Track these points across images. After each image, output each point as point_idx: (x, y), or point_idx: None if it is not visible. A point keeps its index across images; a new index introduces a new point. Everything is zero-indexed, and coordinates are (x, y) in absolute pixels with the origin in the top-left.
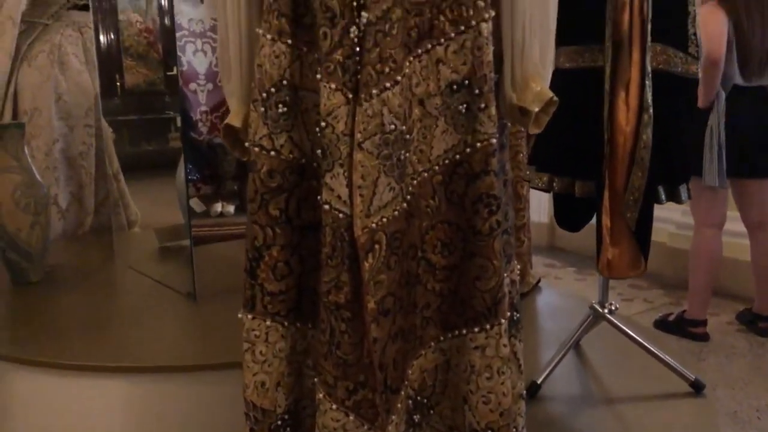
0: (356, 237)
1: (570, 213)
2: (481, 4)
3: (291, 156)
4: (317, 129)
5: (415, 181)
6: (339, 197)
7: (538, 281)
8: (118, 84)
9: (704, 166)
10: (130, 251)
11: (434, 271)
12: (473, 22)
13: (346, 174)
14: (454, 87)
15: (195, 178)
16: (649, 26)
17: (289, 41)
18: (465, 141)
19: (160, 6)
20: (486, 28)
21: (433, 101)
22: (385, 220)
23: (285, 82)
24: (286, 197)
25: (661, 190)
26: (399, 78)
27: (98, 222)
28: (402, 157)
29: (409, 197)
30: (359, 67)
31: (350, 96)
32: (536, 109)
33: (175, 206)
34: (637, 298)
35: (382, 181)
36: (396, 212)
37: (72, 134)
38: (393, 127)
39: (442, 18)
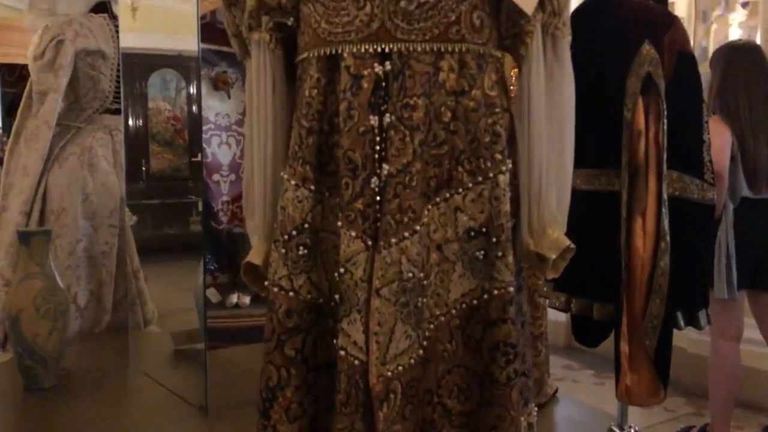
0: (371, 385)
1: (588, 331)
2: (499, 157)
3: (309, 296)
4: (336, 275)
5: (431, 326)
6: (355, 343)
7: (556, 391)
8: (143, 168)
9: (714, 278)
10: (145, 354)
11: (450, 417)
12: (491, 174)
13: (363, 320)
14: (472, 234)
15: (213, 267)
16: (665, 154)
17: (312, 187)
18: (482, 287)
19: (188, 95)
20: (503, 179)
21: (451, 247)
22: (401, 368)
23: (306, 225)
24: (302, 337)
25: (680, 315)
26: (418, 227)
27: (115, 320)
28: (419, 304)
29: (425, 342)
30: (379, 215)
31: (369, 243)
32: (553, 256)
33: (192, 293)
34: (658, 407)
35: (399, 329)
36: (412, 360)
37: (96, 234)
38: (411, 275)
39: (460, 169)
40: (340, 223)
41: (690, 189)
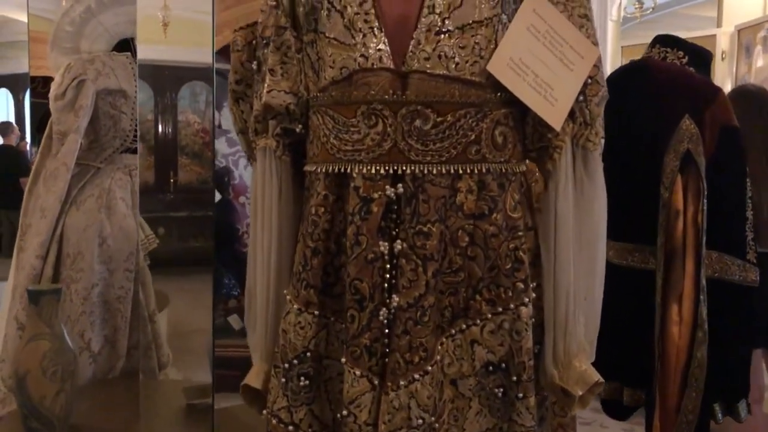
0: None
1: (618, 408)
2: (521, 286)
3: (310, 431)
4: (339, 416)
5: None
6: None
7: None
8: (171, 180)
9: None
10: (156, 408)
11: None
12: (512, 305)
13: None
14: (490, 368)
15: (236, 293)
16: (704, 237)
17: (316, 312)
18: (501, 428)
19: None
20: (525, 312)
21: (467, 382)
22: None
23: (309, 353)
24: None
25: (717, 407)
26: (429, 367)
27: (129, 365)
28: None
29: None
30: (387, 350)
31: (376, 382)
32: (580, 393)
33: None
34: None
35: None
36: None
37: (111, 278)
38: (421, 421)
39: (478, 297)
40: (344, 359)
41: (731, 270)
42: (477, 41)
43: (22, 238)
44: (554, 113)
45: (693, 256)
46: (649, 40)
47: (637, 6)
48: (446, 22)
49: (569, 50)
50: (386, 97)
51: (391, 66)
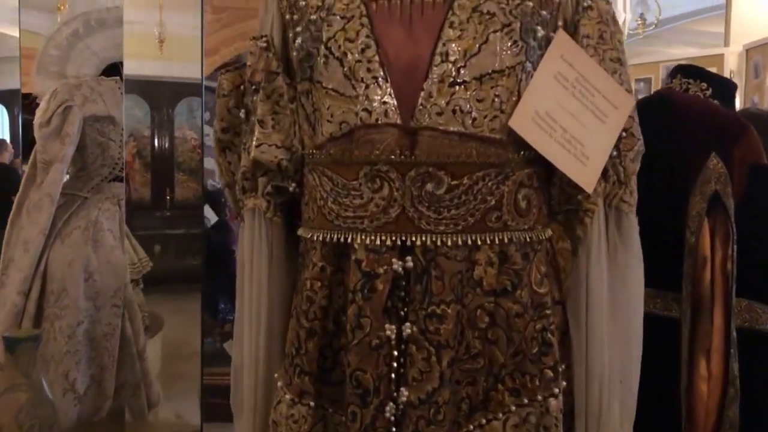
0: None
1: None
2: (550, 374)
3: None
4: None
5: None
6: None
7: None
8: (168, 197)
9: None
10: None
11: None
12: (539, 396)
13: None
14: None
15: (233, 317)
16: (734, 285)
17: (312, 403)
18: None
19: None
20: (555, 405)
21: None
22: None
23: None
24: None
25: None
26: None
27: (117, 405)
28: None
29: None
30: None
31: None
32: None
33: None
34: None
35: None
36: None
37: (98, 314)
38: None
39: (500, 387)
40: None
41: (762, 319)
42: (497, 93)
43: (4, 272)
44: (586, 173)
45: (722, 307)
46: (652, 57)
47: (639, 22)
48: (462, 71)
49: (601, 100)
50: (393, 157)
51: (399, 121)
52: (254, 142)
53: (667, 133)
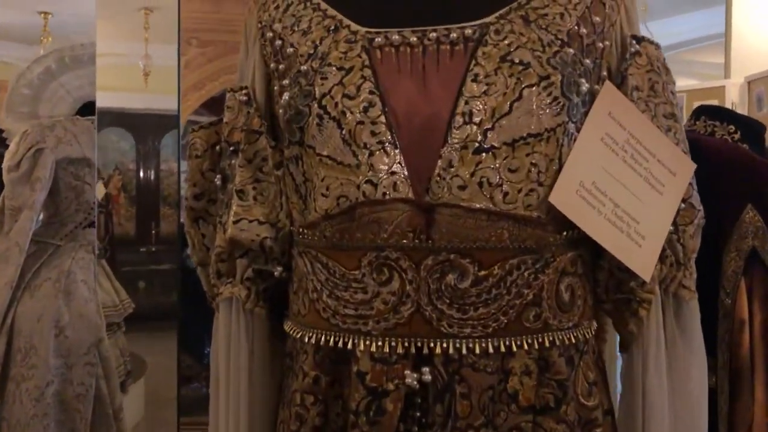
0: None
1: None
2: None
3: None
4: None
5: None
6: None
7: None
8: (153, 232)
9: None
10: None
11: None
12: None
13: None
14: None
15: None
16: None
17: None
18: None
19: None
20: None
21: None
22: None
23: None
24: None
25: None
26: None
27: None
28: None
29: None
30: None
31: None
32: None
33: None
34: None
35: None
36: None
37: (69, 374)
38: None
39: None
40: None
41: None
42: (534, 162)
43: None
44: (641, 256)
45: (763, 377)
46: None
47: None
48: (489, 135)
49: (657, 166)
50: (404, 241)
51: (411, 196)
52: (231, 217)
53: (698, 177)
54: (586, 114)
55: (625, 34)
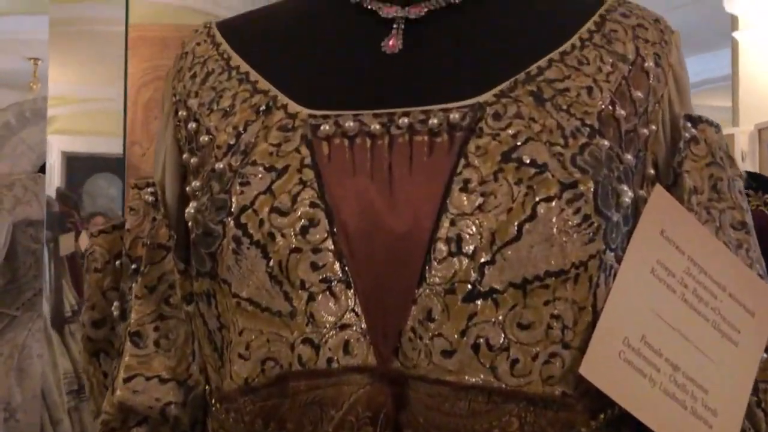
0: None
1: None
2: None
3: None
4: None
5: None
6: None
7: None
8: None
9: None
10: None
11: None
12: None
13: None
14: None
15: None
16: None
17: None
18: None
19: None
20: None
21: None
22: None
23: None
24: None
25: None
26: None
27: None
28: None
29: None
30: None
31: None
32: None
33: None
34: None
35: None
36: None
37: None
38: None
39: None
40: None
41: None
42: (556, 312)
43: None
44: None
45: None
46: None
47: None
48: (488, 272)
49: (728, 303)
50: None
51: (371, 362)
52: (122, 372)
53: None
54: (629, 235)
55: (676, 113)
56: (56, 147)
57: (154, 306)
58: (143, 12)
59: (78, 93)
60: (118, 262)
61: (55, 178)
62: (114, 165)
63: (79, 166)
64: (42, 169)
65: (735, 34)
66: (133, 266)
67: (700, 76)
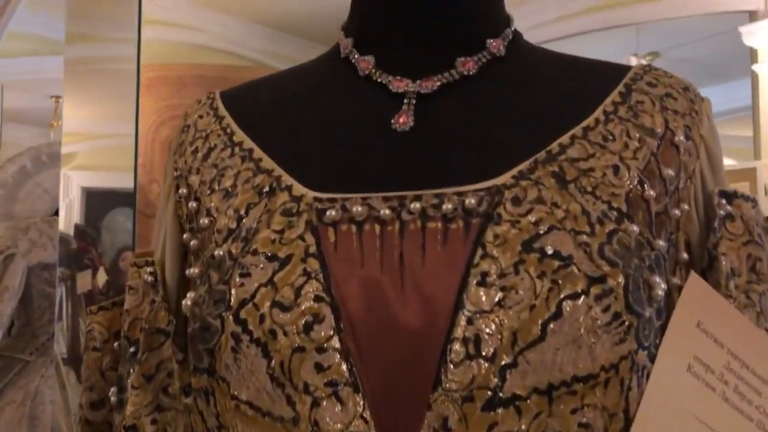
0: None
1: None
2: None
3: None
4: None
5: None
6: None
7: None
8: None
9: None
10: None
11: None
12: None
13: None
14: None
15: None
16: None
17: None
18: None
19: None
20: None
21: None
22: None
23: None
24: None
25: None
26: None
27: None
28: None
29: None
30: None
31: None
32: None
33: None
34: None
35: None
36: None
37: None
38: None
39: None
40: None
41: None
42: (585, 421)
43: None
44: None
45: None
46: None
47: None
48: (509, 376)
49: None
50: None
51: None
52: None
53: None
54: (662, 330)
55: (709, 189)
56: (75, 182)
57: (151, 396)
58: (158, 51)
59: (95, 129)
60: (116, 344)
61: (74, 214)
62: (132, 200)
63: (97, 202)
64: (57, 213)
65: (754, 67)
66: (131, 349)
67: (723, 106)
